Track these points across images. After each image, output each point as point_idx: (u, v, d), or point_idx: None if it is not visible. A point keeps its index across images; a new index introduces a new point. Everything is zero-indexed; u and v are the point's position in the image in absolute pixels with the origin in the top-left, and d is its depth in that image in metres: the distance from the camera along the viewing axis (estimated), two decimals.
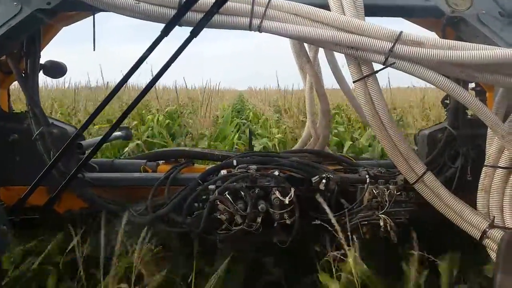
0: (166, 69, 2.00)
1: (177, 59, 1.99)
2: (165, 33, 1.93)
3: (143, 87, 2.16)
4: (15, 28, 1.92)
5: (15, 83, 2.50)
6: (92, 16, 2.15)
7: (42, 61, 2.45)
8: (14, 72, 2.34)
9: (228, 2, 1.88)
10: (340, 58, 3.32)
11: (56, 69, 2.65)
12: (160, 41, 1.94)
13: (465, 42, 1.86)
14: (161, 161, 2.75)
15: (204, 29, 1.94)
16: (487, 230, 1.93)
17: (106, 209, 2.31)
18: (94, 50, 2.46)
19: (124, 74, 2.03)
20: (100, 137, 2.36)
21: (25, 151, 2.33)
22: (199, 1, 1.87)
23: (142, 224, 2.20)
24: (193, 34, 1.94)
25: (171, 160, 2.76)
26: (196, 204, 2.20)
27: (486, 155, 2.01)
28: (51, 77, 2.76)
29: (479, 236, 1.96)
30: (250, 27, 1.96)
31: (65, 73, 2.74)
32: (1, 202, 1.99)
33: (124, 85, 2.29)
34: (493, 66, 1.84)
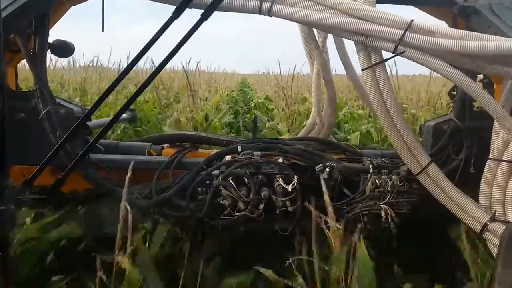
0: (176, 52, 1.99)
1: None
2: (176, 14, 1.92)
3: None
4: (24, 6, 1.91)
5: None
6: None
7: (50, 40, 2.45)
8: (23, 51, 2.33)
9: None
10: (349, 45, 3.31)
11: (64, 49, 2.65)
12: (171, 23, 1.94)
13: (476, 33, 1.84)
14: (166, 145, 2.76)
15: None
16: (488, 223, 1.93)
17: (110, 191, 2.32)
18: (103, 31, 2.47)
19: (133, 57, 2.03)
20: (105, 119, 2.37)
21: (32, 130, 2.34)
22: None
23: (146, 207, 2.22)
24: (204, 17, 1.94)
25: (175, 144, 2.76)
26: (199, 189, 2.21)
27: (491, 148, 2.00)
28: (59, 56, 2.77)
29: (479, 229, 1.96)
30: (260, 11, 1.95)
31: (73, 53, 2.74)
32: (11, 180, 2.00)
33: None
34: (504, 57, 1.82)
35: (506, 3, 2.04)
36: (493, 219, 1.93)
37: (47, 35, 2.38)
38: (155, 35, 1.94)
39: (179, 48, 1.98)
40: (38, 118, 2.32)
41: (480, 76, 2.46)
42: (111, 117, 2.30)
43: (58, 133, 2.29)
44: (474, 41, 1.80)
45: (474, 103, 2.43)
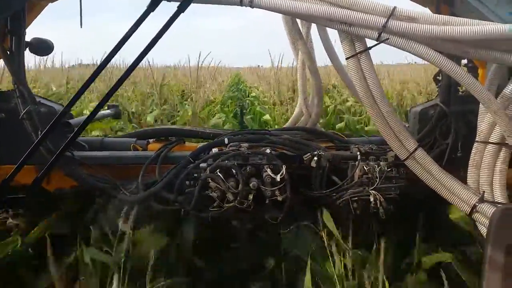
0: (153, 46, 1.95)
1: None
2: (151, 7, 1.87)
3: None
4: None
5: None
6: None
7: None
8: None
9: None
10: (332, 34, 3.29)
11: (42, 47, 2.59)
12: (147, 16, 1.89)
13: (459, 18, 1.84)
14: (151, 139, 2.73)
15: (194, 4, 1.89)
16: (477, 204, 1.95)
17: (96, 187, 2.29)
18: (81, 27, 2.41)
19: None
20: (87, 116, 2.33)
21: (13, 130, 2.29)
22: None
23: (133, 202, 2.19)
24: (180, 9, 1.89)
25: (161, 138, 2.73)
26: (187, 182, 2.19)
27: (478, 131, 2.01)
28: (38, 55, 2.70)
29: (468, 211, 1.98)
30: (241, 3, 1.92)
31: (52, 51, 2.67)
32: None
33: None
34: (487, 42, 1.82)
35: None
36: (481, 200, 1.95)
37: (23, 34, 2.33)
38: (130, 29, 1.90)
39: (156, 42, 1.94)
40: (18, 117, 2.27)
41: (464, 61, 2.47)
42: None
43: (39, 132, 2.25)
44: (457, 26, 1.80)
45: (459, 87, 2.44)
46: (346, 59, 2.01)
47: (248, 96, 10.29)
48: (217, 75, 11.81)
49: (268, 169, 2.11)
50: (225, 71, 18.15)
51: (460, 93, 2.46)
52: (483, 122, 1.97)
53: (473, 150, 2.01)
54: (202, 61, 8.02)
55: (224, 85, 11.15)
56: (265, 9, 1.95)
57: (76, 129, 2.11)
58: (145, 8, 1.88)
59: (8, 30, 2.29)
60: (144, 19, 1.91)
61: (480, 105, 2.00)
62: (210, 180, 2.09)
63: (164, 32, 1.94)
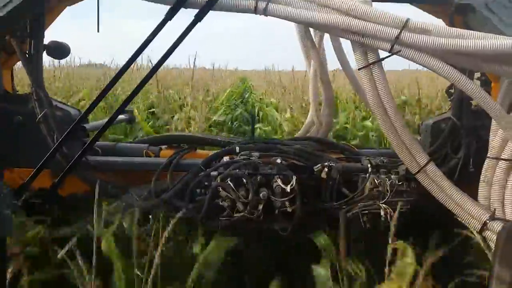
0: (172, 52, 1.98)
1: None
2: (170, 16, 1.91)
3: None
4: (18, 7, 1.90)
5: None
6: None
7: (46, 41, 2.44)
8: (18, 53, 2.32)
9: None
10: (345, 43, 3.29)
11: (60, 50, 2.64)
12: (165, 24, 1.93)
13: (472, 31, 1.84)
14: (164, 146, 2.75)
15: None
16: (488, 222, 1.93)
17: (109, 193, 2.32)
18: (98, 31, 2.45)
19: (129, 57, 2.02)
20: (102, 121, 2.36)
21: (30, 133, 2.33)
22: None
23: (145, 209, 2.21)
24: (198, 18, 1.93)
25: (173, 145, 2.76)
26: (198, 190, 2.20)
27: (489, 146, 1.99)
28: (55, 58, 2.75)
29: (479, 228, 1.96)
30: (255, 11, 1.95)
31: (69, 54, 2.73)
32: (6, 185, 2.00)
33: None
34: (501, 56, 1.81)
35: (503, 1, 2.03)
36: (492, 217, 1.93)
37: (42, 37, 2.36)
38: (149, 36, 1.93)
39: (174, 49, 1.98)
40: (35, 121, 2.31)
41: (478, 74, 2.46)
42: (108, 118, 2.28)
43: (55, 135, 2.28)
44: (470, 39, 1.79)
45: (471, 101, 2.42)
46: (358, 69, 2.01)
47: (261, 117, 7.57)
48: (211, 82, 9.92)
49: (279, 179, 2.11)
50: (226, 74, 15.75)
51: (473, 107, 2.44)
52: (495, 137, 1.95)
53: (485, 166, 1.99)
54: (194, 64, 6.93)
55: (217, 102, 7.88)
56: (279, 18, 1.97)
57: (94, 134, 2.13)
58: (164, 16, 1.92)
59: (27, 33, 2.33)
60: (162, 27, 1.94)
61: (492, 121, 1.98)
62: (220, 189, 2.10)
63: (182, 40, 1.98)
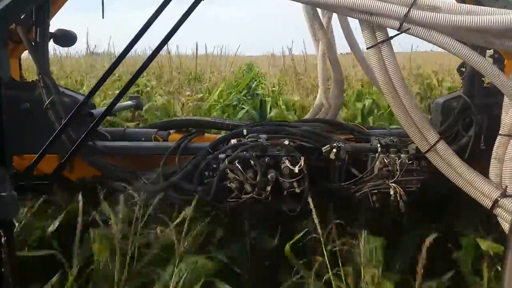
0: (173, 35, 1.97)
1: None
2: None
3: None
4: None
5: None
6: None
7: (52, 29, 2.44)
8: (24, 41, 2.33)
9: None
10: (353, 22, 3.24)
11: (66, 38, 2.65)
12: (164, 8, 1.90)
13: (484, 7, 1.79)
14: (172, 130, 2.76)
15: None
16: (499, 199, 1.91)
17: (117, 177, 2.34)
18: (103, 18, 2.45)
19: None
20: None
21: (37, 119, 2.35)
22: None
23: (154, 192, 2.23)
24: (197, 1, 1.90)
25: (182, 129, 2.76)
26: (206, 173, 2.21)
27: (501, 123, 1.96)
28: (61, 46, 2.76)
29: (490, 206, 1.94)
30: None
31: (75, 42, 2.73)
32: (12, 169, 2.03)
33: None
34: None
35: None
36: (504, 194, 1.91)
37: (47, 25, 2.37)
38: (149, 19, 1.92)
39: (175, 32, 1.96)
40: (42, 108, 2.33)
41: (491, 51, 2.41)
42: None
43: (62, 122, 2.30)
44: (481, 15, 1.75)
45: (483, 79, 2.38)
46: (367, 48, 1.98)
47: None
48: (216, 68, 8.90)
49: (287, 161, 2.11)
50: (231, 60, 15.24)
51: (484, 84, 2.39)
52: (507, 115, 1.92)
53: (496, 143, 1.96)
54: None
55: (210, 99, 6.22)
56: None
57: (97, 118, 2.15)
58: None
59: (33, 22, 2.33)
60: (164, 9, 1.92)
61: (505, 98, 1.94)
62: (228, 171, 2.10)
63: (184, 21, 1.96)
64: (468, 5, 1.81)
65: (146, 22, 1.93)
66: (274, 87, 7.64)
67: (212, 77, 7.97)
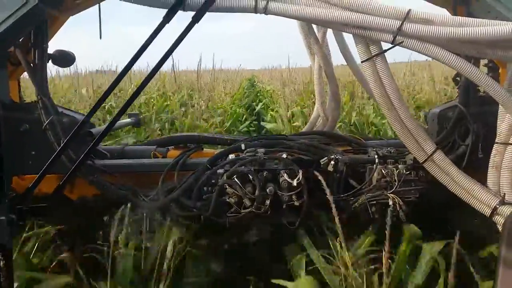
0: (170, 55, 1.98)
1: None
2: (167, 18, 1.91)
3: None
4: (21, 19, 1.92)
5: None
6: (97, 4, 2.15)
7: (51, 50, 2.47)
8: (23, 63, 2.35)
9: None
10: (348, 36, 3.28)
11: (65, 59, 2.67)
12: (163, 27, 1.93)
13: (475, 19, 1.82)
14: (171, 147, 2.77)
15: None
16: (498, 207, 1.92)
17: (117, 195, 2.34)
18: (100, 38, 2.47)
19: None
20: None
21: (37, 140, 2.36)
22: None
23: (153, 209, 2.23)
24: (195, 19, 1.93)
25: (180, 145, 2.77)
26: (205, 188, 2.22)
27: (497, 132, 1.98)
28: (60, 66, 2.77)
29: (489, 213, 1.95)
30: (255, 10, 1.95)
31: (74, 62, 2.75)
32: (11, 192, 2.02)
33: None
34: (505, 42, 1.80)
35: None
36: (502, 202, 1.92)
37: (46, 46, 2.39)
38: (147, 39, 1.93)
39: (172, 51, 1.97)
40: (41, 128, 2.34)
41: (485, 61, 2.44)
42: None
43: (62, 141, 2.31)
44: (473, 27, 1.78)
45: (478, 88, 2.40)
46: (362, 62, 2.01)
47: None
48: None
49: (285, 174, 2.12)
50: (233, 75, 13.88)
51: (480, 94, 2.42)
52: (503, 123, 1.94)
53: (493, 152, 1.98)
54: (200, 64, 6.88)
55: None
56: (280, 15, 1.97)
57: (96, 137, 2.15)
58: (161, 19, 1.92)
59: (31, 44, 2.36)
60: (160, 30, 1.95)
61: (500, 106, 1.97)
62: (227, 186, 2.11)
63: (181, 41, 1.97)
64: (460, 17, 1.84)
65: (143, 44, 1.95)
66: (288, 110, 5.87)
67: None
